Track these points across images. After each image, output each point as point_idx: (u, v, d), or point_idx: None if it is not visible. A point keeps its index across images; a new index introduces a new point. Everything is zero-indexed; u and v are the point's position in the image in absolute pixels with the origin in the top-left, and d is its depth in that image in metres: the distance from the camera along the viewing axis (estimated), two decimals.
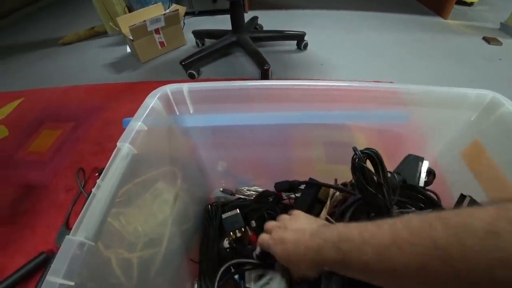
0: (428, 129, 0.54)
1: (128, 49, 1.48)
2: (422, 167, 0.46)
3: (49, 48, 1.63)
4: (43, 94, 1.25)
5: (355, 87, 0.46)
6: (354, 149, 0.36)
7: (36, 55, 1.59)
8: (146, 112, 0.39)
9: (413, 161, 0.47)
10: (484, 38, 1.38)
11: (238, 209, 0.53)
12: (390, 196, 0.36)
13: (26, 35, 1.85)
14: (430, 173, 0.47)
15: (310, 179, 0.51)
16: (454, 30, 1.48)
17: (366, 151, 0.36)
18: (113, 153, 0.34)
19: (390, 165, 0.48)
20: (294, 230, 0.33)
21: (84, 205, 0.29)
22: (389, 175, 0.38)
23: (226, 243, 0.52)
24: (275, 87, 0.46)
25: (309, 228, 0.31)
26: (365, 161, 0.36)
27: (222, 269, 0.48)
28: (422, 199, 0.43)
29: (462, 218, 0.19)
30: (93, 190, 0.31)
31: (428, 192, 0.45)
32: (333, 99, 0.47)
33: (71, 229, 0.28)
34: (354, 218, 0.40)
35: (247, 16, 1.53)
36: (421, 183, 0.45)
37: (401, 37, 1.43)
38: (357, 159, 0.35)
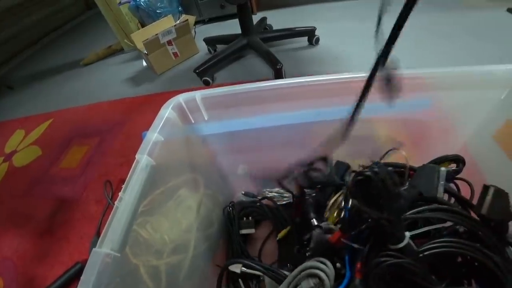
0: (454, 114, 0.50)
1: (144, 63, 1.53)
2: (440, 175, 0.41)
3: (72, 70, 1.73)
4: (70, 114, 1.32)
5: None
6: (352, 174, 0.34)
7: (61, 77, 1.69)
8: (162, 123, 0.40)
9: (428, 171, 0.42)
10: (509, 10, 1.27)
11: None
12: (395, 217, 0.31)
13: (50, 60, 1.97)
14: (459, 161, 0.44)
15: None
16: (473, 5, 1.37)
17: (366, 173, 0.29)
18: (133, 165, 0.35)
19: (416, 157, 0.45)
20: None
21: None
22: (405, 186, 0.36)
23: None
24: (287, 86, 0.45)
25: None
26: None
27: None
28: (444, 209, 0.39)
29: None
30: (115, 203, 0.32)
31: (460, 180, 0.42)
32: (348, 92, 0.46)
33: None
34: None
35: (256, 17, 1.53)
36: (440, 194, 0.41)
37: (416, 19, 1.35)
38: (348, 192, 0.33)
